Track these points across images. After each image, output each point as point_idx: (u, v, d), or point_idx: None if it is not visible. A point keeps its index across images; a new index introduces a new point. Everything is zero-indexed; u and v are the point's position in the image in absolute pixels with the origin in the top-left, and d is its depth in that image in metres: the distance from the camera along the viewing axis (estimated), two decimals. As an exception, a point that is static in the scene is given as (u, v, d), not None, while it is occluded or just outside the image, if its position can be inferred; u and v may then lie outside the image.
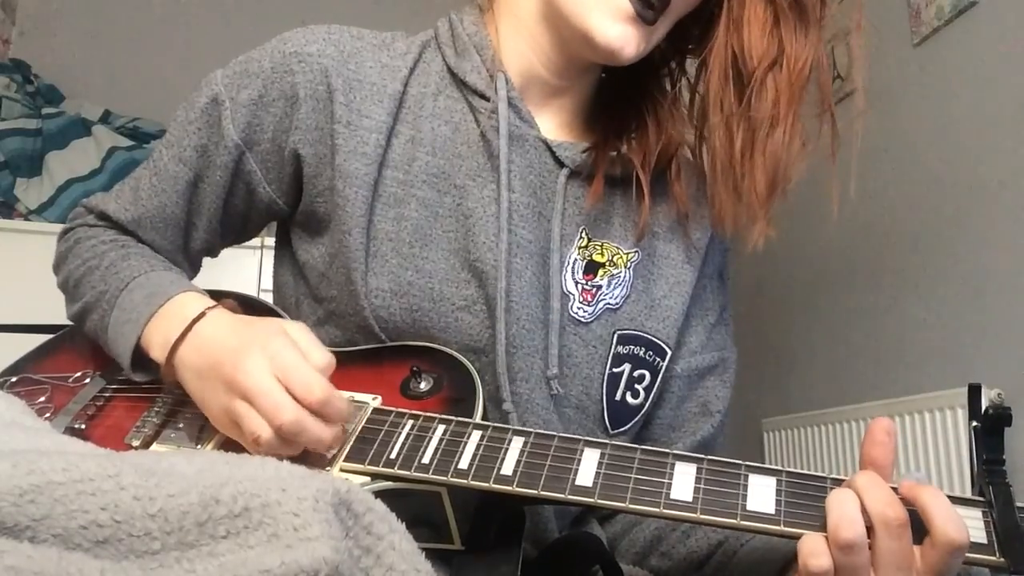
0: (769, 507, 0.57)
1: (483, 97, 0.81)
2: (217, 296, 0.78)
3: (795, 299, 2.58)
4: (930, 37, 2.04)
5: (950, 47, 1.99)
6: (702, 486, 0.59)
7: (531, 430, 0.65)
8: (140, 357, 0.73)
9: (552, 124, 0.85)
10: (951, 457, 1.81)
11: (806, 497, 0.58)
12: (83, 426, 0.74)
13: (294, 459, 0.61)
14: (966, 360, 1.88)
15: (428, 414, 0.67)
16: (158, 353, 0.71)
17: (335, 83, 0.79)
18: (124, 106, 2.52)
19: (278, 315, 0.82)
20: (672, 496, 0.59)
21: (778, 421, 2.51)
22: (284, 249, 0.88)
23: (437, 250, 0.78)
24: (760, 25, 0.75)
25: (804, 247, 2.50)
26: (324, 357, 0.66)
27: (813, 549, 0.54)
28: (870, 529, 0.54)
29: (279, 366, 0.63)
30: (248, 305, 0.83)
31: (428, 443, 0.64)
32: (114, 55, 2.74)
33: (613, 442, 0.63)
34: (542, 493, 0.60)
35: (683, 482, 0.59)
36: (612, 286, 0.82)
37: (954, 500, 0.56)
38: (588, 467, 0.61)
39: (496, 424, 0.66)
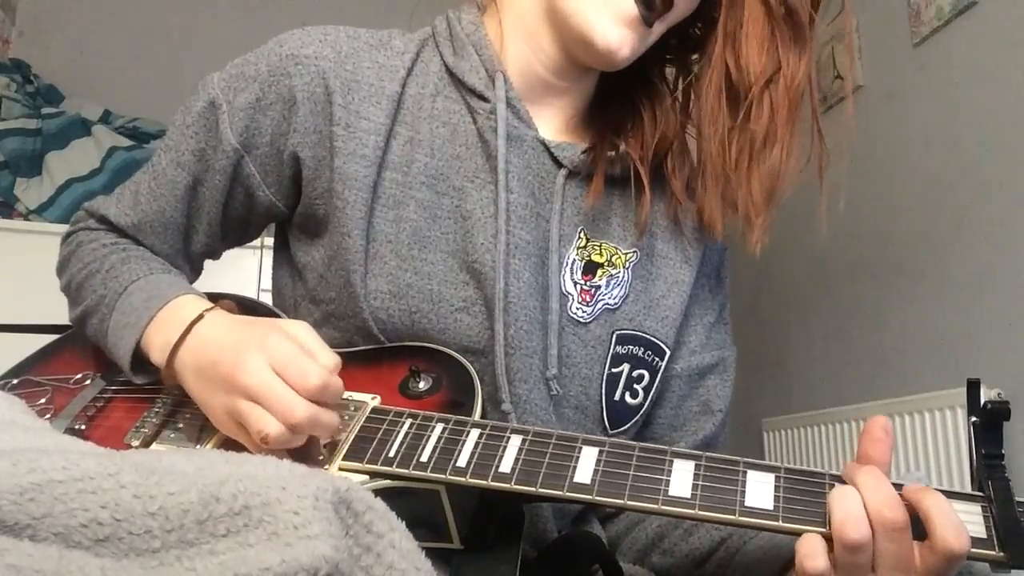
0: (767, 503, 0.57)
1: (481, 98, 0.81)
2: (215, 298, 0.78)
3: (795, 299, 2.58)
4: (930, 37, 2.05)
5: (950, 47, 1.99)
6: (700, 483, 0.59)
7: (529, 428, 0.65)
8: (140, 360, 0.73)
9: (551, 125, 0.85)
10: (951, 457, 1.82)
11: (805, 493, 0.58)
12: (83, 427, 0.74)
13: (293, 458, 0.61)
14: (966, 360, 1.89)
15: (427, 413, 0.67)
16: (158, 356, 0.71)
17: (333, 85, 0.79)
18: (124, 106, 2.52)
19: (277, 316, 0.82)
20: (671, 493, 0.59)
21: (778, 421, 2.51)
22: (282, 251, 0.88)
23: (436, 251, 0.78)
24: (758, 41, 0.77)
25: (804, 247, 2.50)
26: (332, 358, 0.66)
27: (811, 551, 0.54)
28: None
29: (276, 360, 0.63)
30: (247, 307, 0.83)
31: (427, 441, 0.64)
32: (114, 55, 2.74)
33: (611, 439, 0.63)
34: (540, 490, 0.60)
35: (681, 479, 0.59)
36: (611, 286, 0.82)
37: (954, 495, 0.56)
38: (586, 464, 0.61)
39: (495, 422, 0.66)
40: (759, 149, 0.76)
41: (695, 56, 0.84)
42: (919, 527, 0.54)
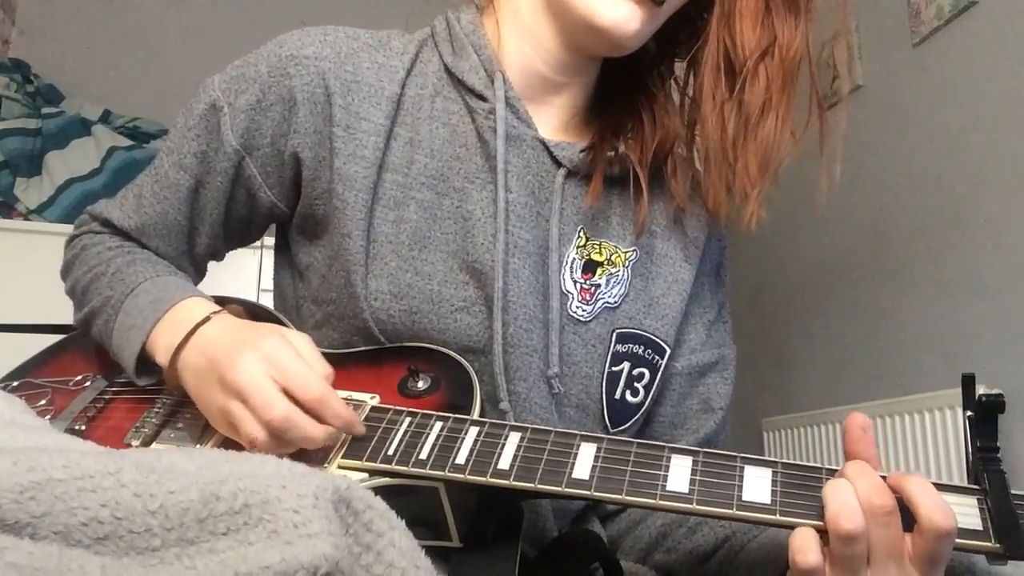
0: (765, 498, 0.57)
1: (481, 98, 0.81)
2: (222, 302, 0.78)
3: (795, 299, 2.58)
4: (930, 37, 2.05)
5: (950, 47, 1.99)
6: (698, 478, 0.59)
7: (528, 425, 0.65)
8: (144, 361, 0.74)
9: (551, 124, 0.85)
10: (950, 456, 1.82)
11: (802, 488, 0.58)
12: (83, 427, 0.74)
13: (293, 456, 0.61)
14: (966, 360, 1.89)
15: (425, 411, 0.68)
16: (162, 357, 0.72)
17: (333, 86, 0.79)
18: (124, 106, 2.52)
19: (282, 323, 0.83)
20: (668, 488, 0.59)
21: (778, 421, 2.51)
22: (283, 252, 0.88)
23: (436, 252, 0.78)
24: (751, 16, 0.77)
25: (804, 247, 2.51)
26: (325, 367, 0.67)
27: (802, 545, 0.54)
28: None
29: (275, 364, 0.64)
30: (254, 313, 0.83)
31: (425, 439, 0.64)
32: (114, 55, 2.74)
33: (609, 436, 0.63)
34: (539, 486, 0.60)
35: (679, 474, 0.60)
36: (610, 285, 0.82)
37: (950, 488, 0.56)
38: (585, 461, 0.61)
39: (493, 420, 0.66)
40: (755, 121, 0.76)
41: (691, 49, 0.84)
42: (907, 517, 0.54)
